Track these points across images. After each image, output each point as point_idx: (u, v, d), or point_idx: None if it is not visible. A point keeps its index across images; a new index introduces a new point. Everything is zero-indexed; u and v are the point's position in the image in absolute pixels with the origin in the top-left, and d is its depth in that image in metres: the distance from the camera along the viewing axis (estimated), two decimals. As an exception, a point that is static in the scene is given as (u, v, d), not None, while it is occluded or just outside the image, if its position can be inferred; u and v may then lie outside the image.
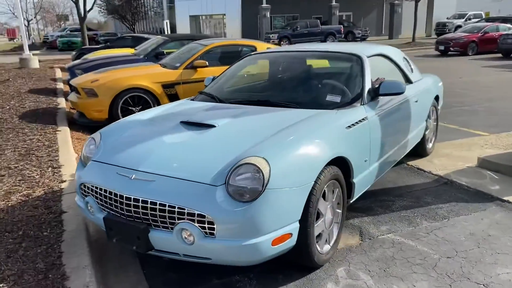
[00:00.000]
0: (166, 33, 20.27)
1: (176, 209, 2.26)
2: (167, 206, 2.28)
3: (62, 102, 8.40)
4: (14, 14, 49.15)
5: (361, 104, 3.19)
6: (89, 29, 40.38)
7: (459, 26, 28.12)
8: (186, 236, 2.26)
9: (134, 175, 2.45)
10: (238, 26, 32.67)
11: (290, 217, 2.33)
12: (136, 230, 2.35)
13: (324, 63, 3.82)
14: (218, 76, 4.04)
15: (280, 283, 2.57)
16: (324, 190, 2.61)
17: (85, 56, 11.82)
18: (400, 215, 3.44)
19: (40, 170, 4.30)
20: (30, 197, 3.65)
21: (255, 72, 3.96)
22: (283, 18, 36.52)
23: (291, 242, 2.38)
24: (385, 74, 3.94)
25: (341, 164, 2.80)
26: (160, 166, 2.46)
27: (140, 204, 2.35)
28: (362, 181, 3.10)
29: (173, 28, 35.16)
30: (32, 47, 37.96)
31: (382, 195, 3.86)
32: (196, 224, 2.23)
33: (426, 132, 4.67)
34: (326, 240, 2.75)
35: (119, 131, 3.01)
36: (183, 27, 33.73)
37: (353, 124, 2.92)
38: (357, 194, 3.08)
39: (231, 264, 2.36)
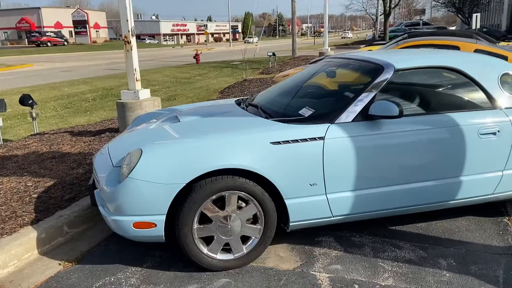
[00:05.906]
0: (473, 27, 18.02)
1: None
2: None
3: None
4: (365, 11, 54.14)
5: (329, 122, 2.81)
6: (425, 24, 40.45)
7: None
8: None
9: None
10: None
11: (153, 208, 2.56)
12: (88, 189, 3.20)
13: (351, 74, 3.35)
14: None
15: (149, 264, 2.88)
16: (224, 198, 2.67)
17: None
18: (377, 263, 2.82)
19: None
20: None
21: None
22: None
23: (157, 231, 2.62)
24: (443, 92, 3.13)
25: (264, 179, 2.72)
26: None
27: None
28: (307, 206, 2.78)
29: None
30: (373, 40, 41.45)
31: (406, 239, 3.13)
32: None
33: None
34: (229, 250, 2.77)
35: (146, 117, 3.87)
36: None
37: (286, 142, 2.70)
38: (298, 218, 2.79)
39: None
